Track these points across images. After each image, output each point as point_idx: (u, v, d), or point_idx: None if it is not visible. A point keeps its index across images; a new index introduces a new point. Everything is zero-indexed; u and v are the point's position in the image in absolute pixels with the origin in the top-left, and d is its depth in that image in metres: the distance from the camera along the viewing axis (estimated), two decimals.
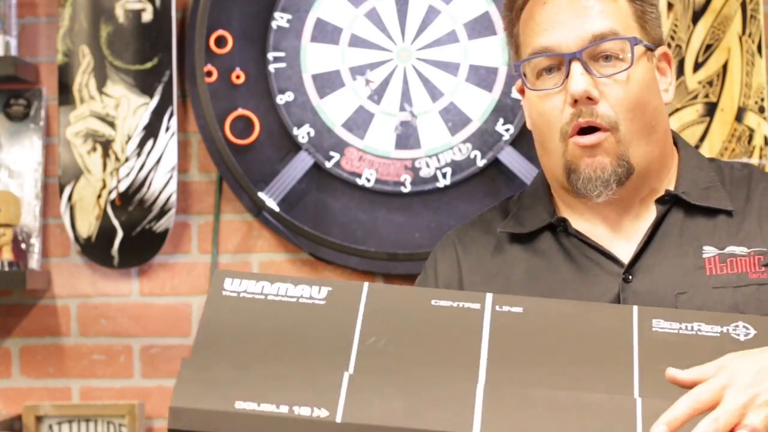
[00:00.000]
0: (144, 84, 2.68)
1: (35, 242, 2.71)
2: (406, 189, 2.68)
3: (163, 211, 2.68)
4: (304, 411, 1.30)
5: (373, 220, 2.69)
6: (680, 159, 1.63)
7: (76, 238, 2.68)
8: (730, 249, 1.55)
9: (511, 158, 2.66)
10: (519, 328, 1.39)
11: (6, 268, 2.60)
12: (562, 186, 1.60)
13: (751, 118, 2.61)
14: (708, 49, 2.62)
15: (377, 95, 2.69)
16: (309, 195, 2.70)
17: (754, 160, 2.59)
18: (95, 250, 2.68)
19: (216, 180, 2.73)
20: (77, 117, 2.69)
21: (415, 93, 2.68)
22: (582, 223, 1.60)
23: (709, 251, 1.55)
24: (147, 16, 2.68)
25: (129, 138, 2.68)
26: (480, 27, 2.68)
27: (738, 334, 1.39)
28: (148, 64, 2.69)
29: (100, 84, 2.69)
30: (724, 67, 2.62)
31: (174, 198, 2.68)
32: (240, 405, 1.30)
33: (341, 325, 1.40)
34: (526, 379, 1.35)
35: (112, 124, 2.69)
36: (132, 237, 2.68)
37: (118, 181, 2.67)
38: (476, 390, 1.33)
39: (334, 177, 2.69)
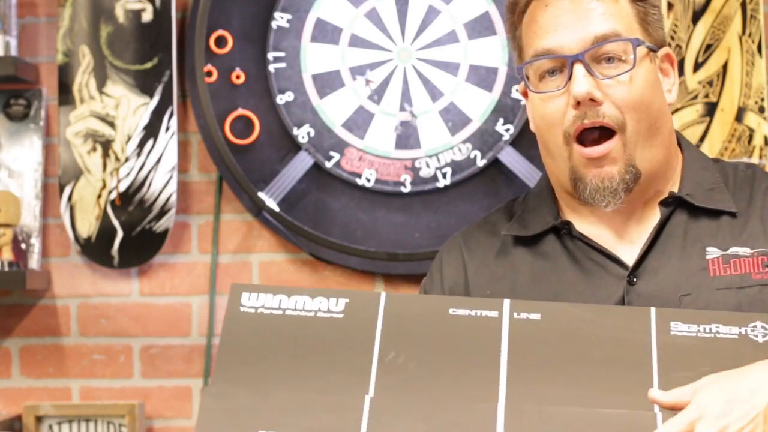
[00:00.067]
0: (144, 84, 2.68)
1: (35, 242, 2.71)
2: (406, 189, 2.68)
3: (163, 211, 2.67)
4: None
5: (373, 220, 2.69)
6: (684, 160, 1.63)
7: (76, 238, 2.68)
8: (733, 250, 1.55)
9: (511, 158, 2.66)
10: (537, 337, 1.38)
11: (6, 268, 2.60)
12: (566, 190, 1.60)
13: (751, 118, 2.60)
14: (708, 49, 2.62)
15: (377, 95, 2.69)
16: (309, 195, 2.70)
17: (754, 160, 2.59)
18: (95, 250, 2.68)
19: (216, 180, 2.73)
20: (77, 117, 2.69)
21: (415, 93, 2.68)
22: (586, 225, 1.60)
23: (712, 252, 1.55)
24: (147, 16, 2.68)
25: (129, 138, 2.68)
26: (480, 27, 2.68)
27: (756, 335, 1.38)
28: (148, 64, 2.68)
29: (100, 84, 2.69)
30: (724, 67, 2.62)
31: (174, 198, 2.68)
32: None
33: (360, 340, 1.38)
34: (546, 395, 1.33)
35: (112, 124, 2.69)
36: (132, 237, 2.67)
37: (118, 181, 2.67)
38: (497, 410, 1.32)
39: (334, 177, 2.69)
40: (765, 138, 2.60)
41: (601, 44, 1.53)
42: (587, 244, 1.58)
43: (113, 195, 2.67)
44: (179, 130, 2.72)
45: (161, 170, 2.68)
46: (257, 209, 2.68)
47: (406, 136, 2.69)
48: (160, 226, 2.67)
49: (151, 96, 2.68)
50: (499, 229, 1.66)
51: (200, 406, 1.33)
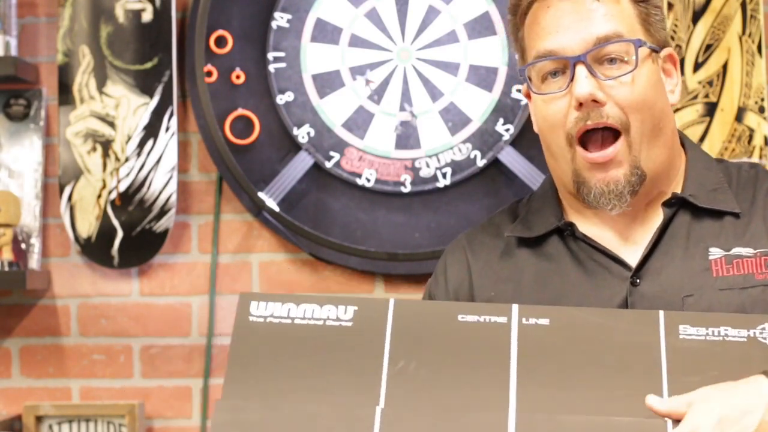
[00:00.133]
0: (144, 84, 2.68)
1: (35, 242, 2.71)
2: (406, 189, 2.68)
3: (163, 211, 2.67)
4: None
5: (373, 220, 2.69)
6: (687, 160, 1.63)
7: (76, 238, 2.68)
8: (736, 250, 1.54)
9: (511, 158, 2.66)
10: (546, 343, 1.38)
11: (6, 268, 2.60)
12: (570, 192, 1.60)
13: (751, 118, 2.60)
14: (708, 49, 2.62)
15: (377, 95, 2.69)
16: (309, 195, 2.70)
17: (755, 160, 2.59)
18: (95, 250, 2.68)
19: (216, 180, 2.73)
20: (77, 117, 2.69)
21: (415, 93, 2.68)
22: (590, 227, 1.60)
23: (715, 253, 1.55)
24: (147, 16, 2.68)
25: (129, 138, 2.68)
26: (480, 27, 2.68)
27: (765, 338, 1.38)
28: (148, 64, 2.68)
29: (100, 84, 2.69)
30: (724, 67, 2.62)
31: (174, 198, 2.67)
32: None
33: (369, 348, 1.38)
34: (556, 403, 1.33)
35: (112, 124, 2.69)
36: (132, 237, 2.67)
37: (118, 181, 2.67)
38: (508, 420, 1.32)
39: (334, 177, 2.69)
40: (765, 138, 2.60)
41: (603, 45, 1.53)
42: (590, 246, 1.58)
43: (113, 195, 2.67)
44: (179, 130, 2.72)
45: (161, 170, 2.68)
46: (257, 209, 2.68)
47: (406, 136, 2.69)
48: (160, 226, 2.67)
49: (151, 96, 2.68)
50: (503, 231, 1.66)
51: (212, 421, 1.33)
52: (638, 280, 1.54)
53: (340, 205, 2.70)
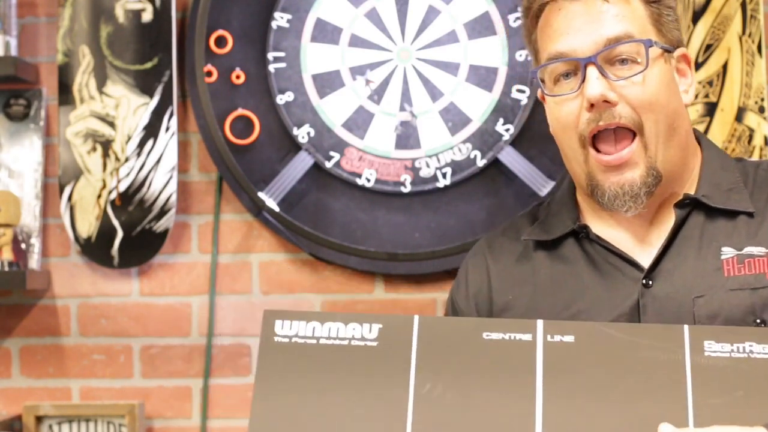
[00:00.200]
0: (144, 84, 2.68)
1: (35, 242, 2.71)
2: (406, 189, 2.68)
3: (163, 211, 2.67)
4: None
5: (373, 220, 2.69)
6: (703, 160, 1.63)
7: (76, 238, 2.68)
8: (748, 249, 1.54)
9: (511, 158, 2.66)
10: (571, 364, 1.38)
11: (6, 268, 2.60)
12: (585, 193, 1.61)
13: (751, 118, 2.61)
14: (708, 49, 2.62)
15: (377, 95, 2.69)
16: (309, 195, 2.70)
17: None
18: (95, 250, 2.68)
19: (216, 180, 2.73)
20: (77, 117, 2.69)
21: (415, 93, 2.68)
22: (605, 228, 1.60)
23: (727, 252, 1.55)
24: (147, 16, 2.68)
25: (129, 138, 2.68)
26: (480, 27, 2.68)
27: None
28: (148, 64, 2.68)
29: (100, 84, 2.69)
30: (724, 67, 2.62)
31: (174, 198, 2.67)
32: None
33: (395, 370, 1.38)
34: (581, 427, 1.33)
35: (112, 124, 2.69)
36: (132, 237, 2.67)
37: (118, 181, 2.67)
38: None
39: (334, 177, 2.69)
40: (765, 138, 2.60)
41: (614, 46, 1.53)
42: (604, 247, 1.59)
43: (113, 195, 2.67)
44: (179, 130, 2.72)
45: (161, 170, 2.68)
46: (257, 209, 2.68)
47: (406, 136, 2.69)
48: (160, 226, 2.67)
49: (151, 96, 2.68)
50: (522, 234, 1.67)
51: None
52: (650, 282, 1.54)
53: (340, 205, 2.70)
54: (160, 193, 2.67)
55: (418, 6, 2.68)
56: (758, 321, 1.49)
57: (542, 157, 2.66)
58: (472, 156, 2.68)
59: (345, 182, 2.69)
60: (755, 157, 2.60)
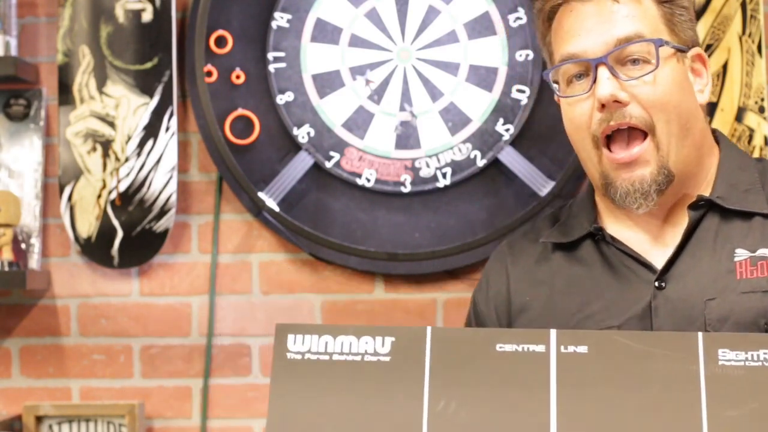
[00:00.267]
0: (144, 84, 2.68)
1: (35, 242, 2.71)
2: (406, 189, 2.68)
3: (163, 211, 2.67)
4: None
5: (373, 220, 2.69)
6: (720, 160, 1.62)
7: (76, 238, 2.68)
8: (761, 251, 1.54)
9: (511, 158, 2.66)
10: (585, 376, 1.37)
11: (6, 268, 2.60)
12: (600, 192, 1.61)
13: (751, 118, 2.61)
14: (708, 49, 2.62)
15: (377, 95, 2.69)
16: (309, 195, 2.70)
17: None
18: (95, 250, 2.68)
19: (216, 180, 2.73)
20: (77, 117, 2.69)
21: (415, 93, 2.68)
22: (623, 229, 1.61)
23: (741, 254, 1.54)
24: (147, 16, 2.68)
25: (129, 138, 2.68)
26: (480, 27, 2.68)
27: None
28: (148, 64, 2.68)
29: (100, 84, 2.69)
30: (724, 67, 2.62)
31: (174, 198, 2.67)
32: None
33: (409, 386, 1.37)
34: None
35: (112, 124, 2.69)
36: (132, 237, 2.67)
37: (118, 181, 2.67)
38: None
39: (334, 177, 2.69)
40: (765, 138, 2.60)
41: (624, 46, 1.54)
42: (619, 249, 1.59)
43: (113, 195, 2.67)
44: (179, 130, 2.72)
45: (161, 170, 2.68)
46: (257, 209, 2.68)
47: (406, 136, 2.69)
48: (160, 226, 2.67)
49: (151, 96, 2.68)
50: (542, 236, 1.68)
51: None
52: (663, 284, 1.54)
53: (340, 205, 2.70)
54: (160, 193, 2.67)
55: (418, 6, 2.68)
56: None
57: (542, 157, 2.66)
58: (472, 156, 2.68)
59: (345, 182, 2.69)
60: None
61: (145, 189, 2.67)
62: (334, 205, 2.70)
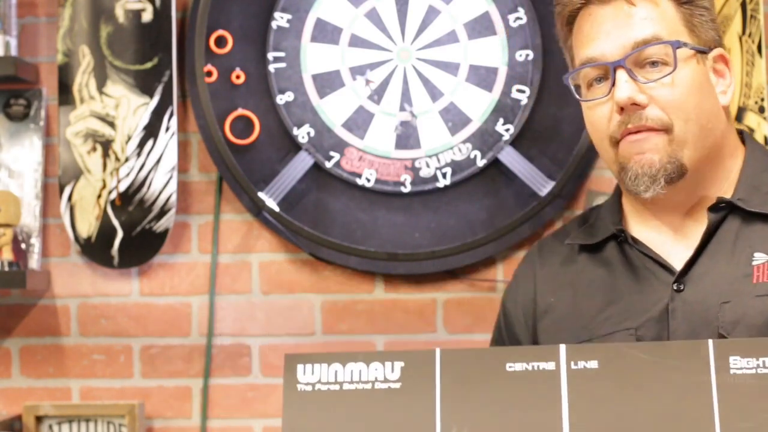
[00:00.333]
0: (144, 84, 2.68)
1: (35, 242, 2.71)
2: (406, 189, 2.68)
3: (163, 211, 2.67)
4: None
5: (373, 220, 2.69)
6: (744, 161, 1.62)
7: (76, 238, 2.68)
8: None
9: (511, 158, 2.66)
10: (597, 391, 1.36)
11: (6, 268, 2.60)
12: (622, 186, 1.63)
13: (751, 118, 2.61)
14: None
15: (377, 95, 2.69)
16: (309, 195, 2.70)
17: None
18: (95, 250, 2.68)
19: (216, 180, 2.73)
20: (77, 117, 2.69)
21: (415, 93, 2.68)
22: (645, 230, 1.61)
23: (759, 258, 1.54)
24: (147, 16, 2.68)
25: (129, 138, 2.68)
26: (480, 27, 2.68)
27: None
28: (148, 64, 2.68)
29: (100, 84, 2.69)
30: None
31: (174, 198, 2.67)
32: None
33: (421, 413, 1.37)
34: None
35: (112, 124, 2.69)
36: (132, 237, 2.67)
37: (118, 181, 2.67)
38: None
39: (334, 177, 2.69)
40: (765, 138, 2.60)
41: (641, 48, 1.54)
42: (641, 251, 1.59)
43: (113, 195, 2.67)
44: (179, 130, 2.72)
45: (161, 170, 2.68)
46: (257, 209, 2.68)
47: (406, 136, 2.69)
48: (160, 226, 2.67)
49: (151, 96, 2.68)
50: (570, 238, 1.70)
51: None
52: (682, 286, 1.54)
53: (340, 205, 2.70)
54: (160, 193, 2.67)
55: (418, 6, 2.68)
56: None
57: (542, 157, 2.65)
58: (472, 156, 2.68)
59: (345, 182, 2.69)
60: None
61: (145, 189, 2.67)
62: (334, 205, 2.70)
